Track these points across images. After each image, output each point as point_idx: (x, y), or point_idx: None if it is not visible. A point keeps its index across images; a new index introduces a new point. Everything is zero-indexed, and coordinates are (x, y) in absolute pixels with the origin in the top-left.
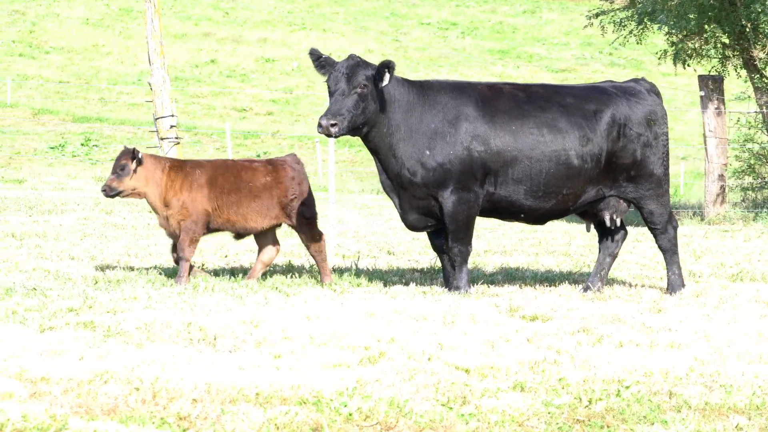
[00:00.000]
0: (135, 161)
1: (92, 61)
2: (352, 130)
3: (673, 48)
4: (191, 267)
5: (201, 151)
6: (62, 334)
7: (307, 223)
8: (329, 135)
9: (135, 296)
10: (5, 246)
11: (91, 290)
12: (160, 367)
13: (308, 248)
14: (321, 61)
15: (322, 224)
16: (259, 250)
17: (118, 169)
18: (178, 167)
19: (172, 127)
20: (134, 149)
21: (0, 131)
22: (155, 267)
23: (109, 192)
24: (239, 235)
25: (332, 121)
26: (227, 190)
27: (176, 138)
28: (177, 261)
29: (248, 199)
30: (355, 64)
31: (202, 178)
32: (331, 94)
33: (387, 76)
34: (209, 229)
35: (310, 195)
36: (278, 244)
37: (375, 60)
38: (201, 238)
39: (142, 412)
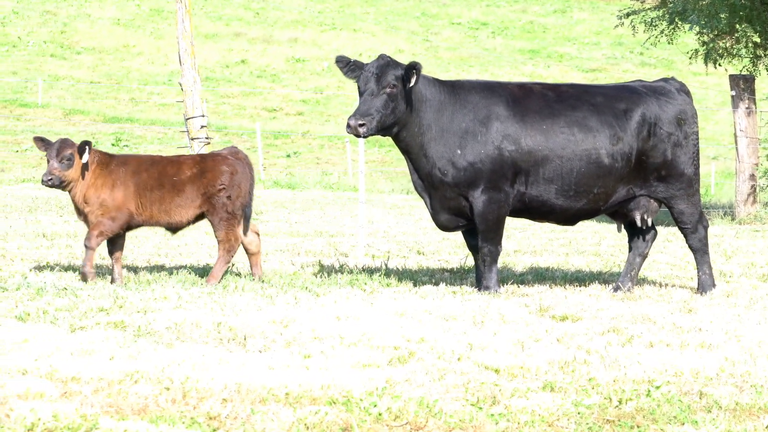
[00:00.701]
0: (87, 155)
1: (123, 62)
2: (382, 130)
3: (704, 47)
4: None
5: None
6: (93, 334)
7: (225, 218)
8: (358, 135)
9: (165, 296)
10: (36, 246)
11: (121, 290)
12: (190, 367)
13: (219, 245)
14: (350, 66)
15: (352, 224)
16: (244, 246)
17: (65, 159)
18: (105, 163)
19: (202, 127)
20: (86, 142)
21: (32, 131)
22: (185, 267)
23: (55, 182)
24: (171, 230)
25: (360, 122)
26: (150, 186)
27: (207, 138)
28: (86, 251)
29: (171, 195)
30: (385, 64)
31: (127, 174)
32: (360, 94)
33: (414, 78)
34: (130, 227)
35: (242, 191)
36: (256, 229)
37: (406, 60)
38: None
39: (173, 411)
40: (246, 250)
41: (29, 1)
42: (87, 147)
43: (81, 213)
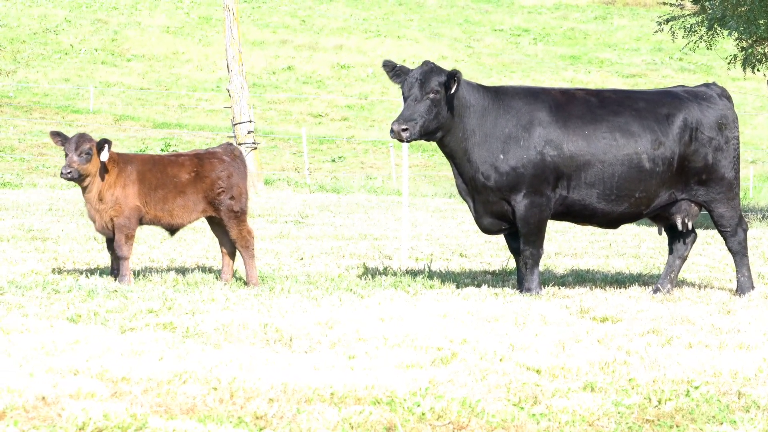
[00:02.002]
0: (106, 153)
1: (172, 69)
2: (425, 135)
3: (743, 53)
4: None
5: (277, 156)
6: (142, 335)
7: (235, 218)
8: (401, 140)
9: (213, 298)
10: (88, 249)
11: (170, 292)
12: (238, 368)
13: (235, 243)
14: (396, 71)
15: (396, 227)
16: (221, 245)
17: (83, 153)
18: (113, 161)
19: (249, 132)
20: (105, 140)
21: None
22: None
23: (74, 174)
24: (170, 230)
25: (404, 126)
26: (155, 185)
27: (254, 143)
28: (116, 259)
29: (174, 195)
30: (429, 70)
31: (134, 173)
32: (404, 99)
33: (454, 86)
34: (140, 224)
35: (242, 188)
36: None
37: (449, 66)
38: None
39: (220, 411)
40: (222, 250)
41: (81, 10)
42: (107, 145)
43: (95, 211)
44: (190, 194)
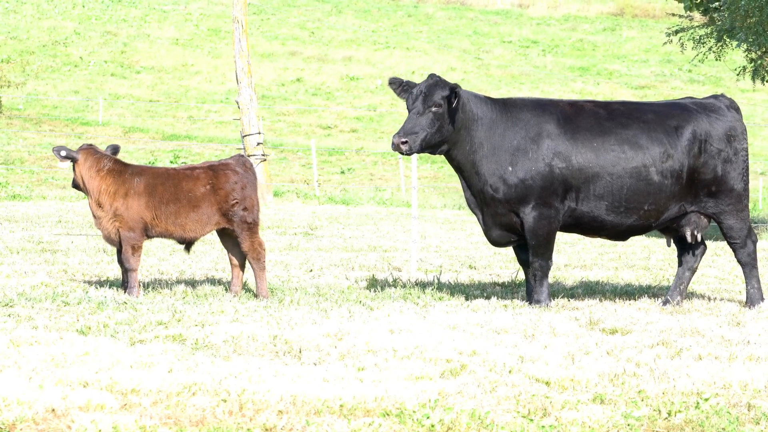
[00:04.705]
0: (68, 159)
1: (181, 81)
2: (428, 149)
3: (752, 64)
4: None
5: (287, 168)
6: (152, 347)
7: (247, 229)
8: (401, 152)
9: (222, 310)
10: (97, 261)
11: (179, 304)
12: (247, 380)
13: (247, 255)
14: (403, 87)
15: (405, 239)
16: (230, 256)
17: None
18: (117, 171)
19: (258, 144)
20: (62, 147)
21: None
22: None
23: (73, 183)
24: (184, 243)
25: (403, 139)
26: (166, 199)
27: (263, 155)
28: (125, 271)
29: (187, 208)
30: (434, 83)
31: (141, 185)
32: (409, 112)
33: (454, 101)
34: (148, 236)
35: (254, 200)
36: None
37: (458, 78)
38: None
39: (229, 423)
40: (230, 261)
41: (90, 22)
42: (60, 152)
43: (96, 218)
44: (204, 207)
